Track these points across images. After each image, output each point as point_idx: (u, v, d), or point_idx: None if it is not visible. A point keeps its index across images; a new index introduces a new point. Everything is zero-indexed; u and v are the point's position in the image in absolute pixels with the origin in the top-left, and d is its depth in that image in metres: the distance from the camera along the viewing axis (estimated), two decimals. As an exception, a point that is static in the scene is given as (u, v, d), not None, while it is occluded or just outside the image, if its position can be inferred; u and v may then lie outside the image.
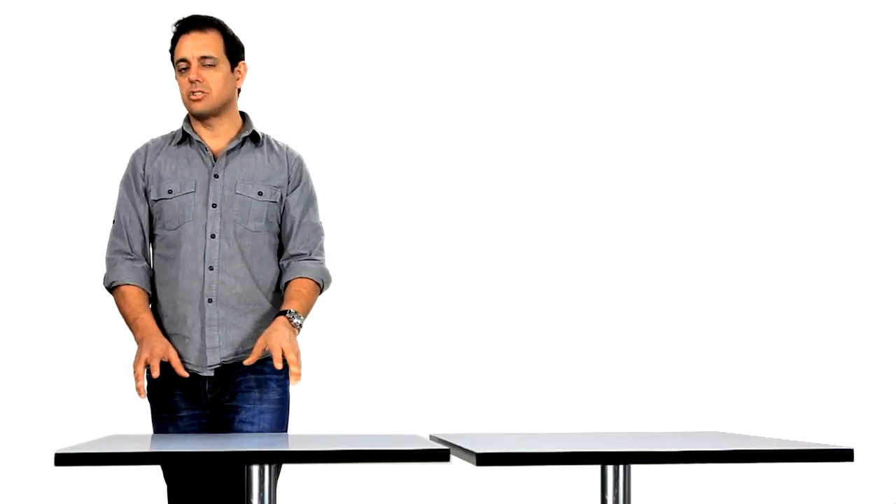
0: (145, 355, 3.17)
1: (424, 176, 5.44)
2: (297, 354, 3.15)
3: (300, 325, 3.26)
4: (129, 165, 3.44)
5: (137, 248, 3.38)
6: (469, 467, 5.02)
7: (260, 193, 3.37)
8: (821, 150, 5.59)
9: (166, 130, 3.50)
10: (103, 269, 3.42)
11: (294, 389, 3.50)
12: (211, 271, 3.31)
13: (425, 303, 5.40)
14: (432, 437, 3.00)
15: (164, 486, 3.40)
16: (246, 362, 3.21)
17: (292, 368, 3.12)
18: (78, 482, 5.00)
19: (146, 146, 3.45)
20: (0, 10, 5.22)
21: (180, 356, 3.30)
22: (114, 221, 3.42)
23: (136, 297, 3.33)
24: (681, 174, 5.55)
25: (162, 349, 3.20)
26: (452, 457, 2.61)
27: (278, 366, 3.13)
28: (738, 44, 5.57)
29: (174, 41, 3.37)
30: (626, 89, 5.54)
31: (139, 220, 3.38)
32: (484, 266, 5.45)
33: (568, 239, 5.48)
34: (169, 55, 3.40)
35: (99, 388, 5.04)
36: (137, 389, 3.14)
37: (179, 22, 3.38)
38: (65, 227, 5.17)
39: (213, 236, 3.33)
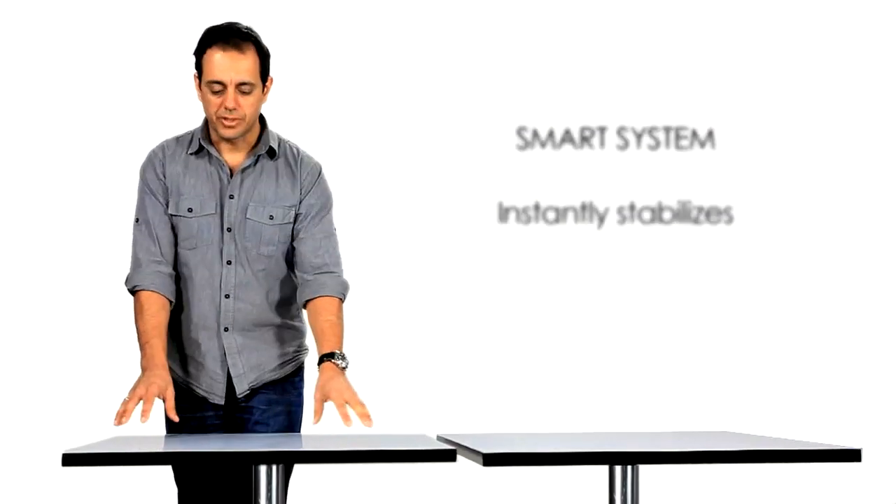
0: (140, 392, 2.99)
1: (431, 179, 5.43)
2: (362, 403, 2.97)
3: (346, 367, 3.12)
4: (147, 167, 3.26)
5: (167, 250, 3.22)
6: (476, 467, 5.00)
7: (271, 217, 3.24)
8: (822, 149, 5.58)
9: (178, 128, 3.34)
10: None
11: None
12: (227, 299, 3.22)
13: (433, 303, 5.40)
14: (439, 437, 3.00)
15: (172, 488, 3.40)
16: (313, 423, 3.00)
17: (363, 420, 2.94)
18: (86, 483, 5.01)
19: (162, 149, 3.27)
20: (12, 8, 5.23)
21: (195, 380, 3.27)
22: (137, 220, 3.25)
23: (153, 314, 3.16)
24: (681, 173, 5.54)
25: (159, 388, 3.01)
26: (459, 457, 2.61)
27: (348, 424, 2.94)
28: (738, 43, 5.57)
29: (204, 50, 3.10)
30: (626, 89, 5.53)
31: (166, 223, 3.23)
32: (489, 266, 5.45)
33: (572, 239, 5.48)
34: (194, 59, 3.15)
35: (107, 388, 5.01)
36: (116, 415, 2.95)
37: (214, 32, 3.11)
38: (72, 229, 5.17)
39: (229, 262, 3.23)
